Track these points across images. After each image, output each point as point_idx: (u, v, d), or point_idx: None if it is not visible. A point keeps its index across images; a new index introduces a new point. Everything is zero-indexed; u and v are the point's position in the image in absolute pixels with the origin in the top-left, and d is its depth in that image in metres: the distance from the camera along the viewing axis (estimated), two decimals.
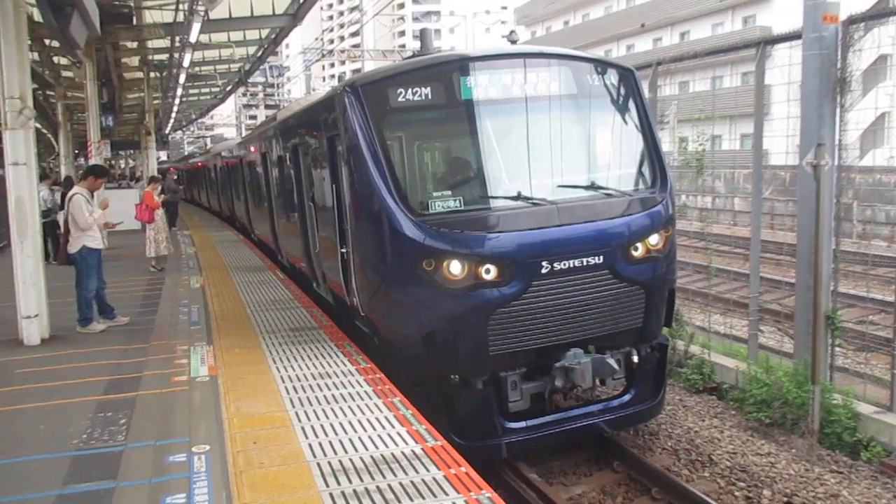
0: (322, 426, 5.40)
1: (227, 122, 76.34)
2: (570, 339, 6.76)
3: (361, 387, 6.29)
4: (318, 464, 4.75)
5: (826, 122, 8.20)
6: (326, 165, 8.17)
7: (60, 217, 13.76)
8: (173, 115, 40.08)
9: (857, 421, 7.72)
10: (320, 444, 5.06)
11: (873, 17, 8.00)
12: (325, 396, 6.06)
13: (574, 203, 6.95)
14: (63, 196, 12.97)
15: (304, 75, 53.31)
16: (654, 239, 7.11)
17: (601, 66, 7.65)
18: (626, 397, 7.42)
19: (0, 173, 13.31)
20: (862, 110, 8.79)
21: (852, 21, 8.05)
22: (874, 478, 7.17)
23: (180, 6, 16.76)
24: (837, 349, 8.55)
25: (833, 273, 8.34)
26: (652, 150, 7.58)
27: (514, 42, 8.40)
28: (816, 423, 7.75)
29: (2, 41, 7.90)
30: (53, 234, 13.91)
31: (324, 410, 5.73)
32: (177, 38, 18.98)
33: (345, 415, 5.63)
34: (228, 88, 34.08)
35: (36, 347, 8.26)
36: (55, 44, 17.84)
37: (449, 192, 6.87)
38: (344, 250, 7.74)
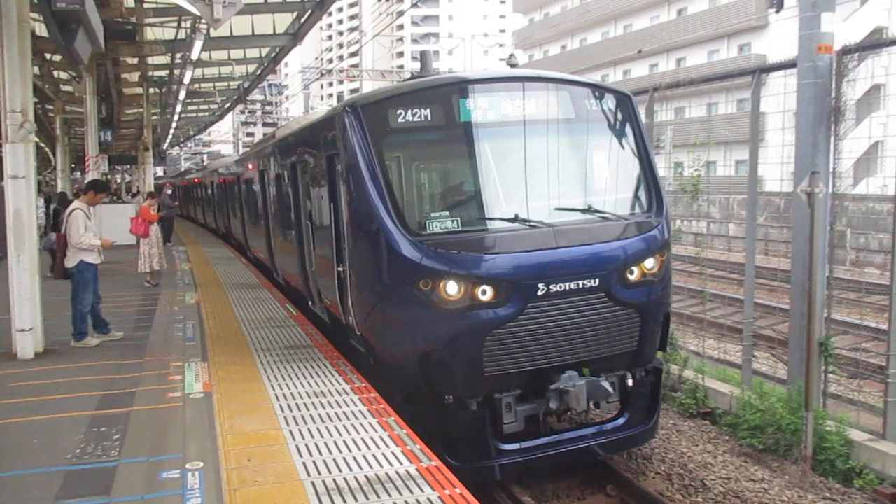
0: (316, 445, 5.39)
1: (225, 139, 76.47)
2: (565, 362, 6.77)
3: (356, 406, 6.29)
4: (313, 482, 4.74)
5: (820, 149, 8.29)
6: (325, 184, 8.21)
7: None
8: (171, 130, 40.24)
9: (850, 448, 7.72)
10: (314, 463, 5.05)
11: (867, 47, 8.13)
12: (319, 415, 6.05)
13: (571, 226, 6.99)
14: (56, 212, 12.97)
15: (302, 94, 53.50)
16: (649, 263, 7.15)
17: (599, 90, 7.74)
18: (620, 421, 7.43)
19: None
20: (855, 139, 8.90)
21: (846, 51, 8.17)
22: None
23: (182, 24, 16.91)
24: (831, 376, 8.57)
25: (827, 300, 8.38)
26: (648, 175, 7.65)
27: (513, 66, 8.49)
28: (809, 450, 7.76)
29: (6, 56, 7.97)
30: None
31: (318, 429, 5.72)
32: (177, 55, 19.13)
33: (339, 434, 5.62)
34: (227, 105, 34.25)
35: (30, 361, 8.23)
36: (56, 58, 17.95)
37: (447, 213, 6.91)
38: (340, 269, 7.76)
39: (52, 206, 18.06)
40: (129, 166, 42.34)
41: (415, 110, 6.93)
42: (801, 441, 7.82)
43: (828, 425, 7.95)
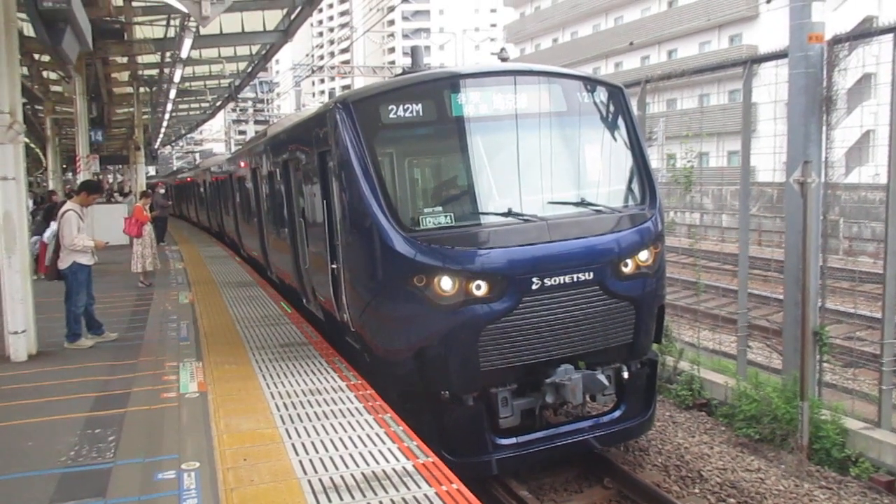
0: (313, 443, 5.38)
1: (217, 138, 76.22)
2: (560, 355, 6.77)
3: (352, 403, 6.27)
4: (309, 481, 4.72)
5: (812, 139, 8.30)
6: (317, 181, 8.18)
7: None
8: (163, 130, 40.09)
9: (846, 437, 7.75)
10: (311, 461, 5.04)
11: (857, 37, 8.13)
12: (315, 413, 6.03)
13: (564, 219, 6.98)
14: (49, 211, 12.90)
15: (293, 91, 53.33)
16: (643, 255, 7.15)
17: (590, 83, 7.72)
18: (617, 413, 7.43)
19: None
20: (847, 128, 8.90)
21: (837, 41, 8.17)
22: (863, 493, 7.20)
23: (171, 22, 16.82)
24: (825, 365, 8.60)
25: (820, 289, 8.40)
26: (641, 167, 7.64)
27: (504, 60, 8.47)
28: (805, 439, 7.79)
29: None
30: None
31: (314, 427, 5.71)
32: (167, 54, 19.04)
33: (335, 431, 5.60)
34: (218, 104, 34.10)
35: (23, 363, 8.18)
36: (45, 58, 17.85)
37: (440, 209, 6.89)
38: (334, 266, 7.74)
39: (31, 208, 17.82)
40: (120, 166, 42.21)
41: (406, 105, 6.90)
42: (797, 430, 7.85)
43: (823, 414, 7.98)
